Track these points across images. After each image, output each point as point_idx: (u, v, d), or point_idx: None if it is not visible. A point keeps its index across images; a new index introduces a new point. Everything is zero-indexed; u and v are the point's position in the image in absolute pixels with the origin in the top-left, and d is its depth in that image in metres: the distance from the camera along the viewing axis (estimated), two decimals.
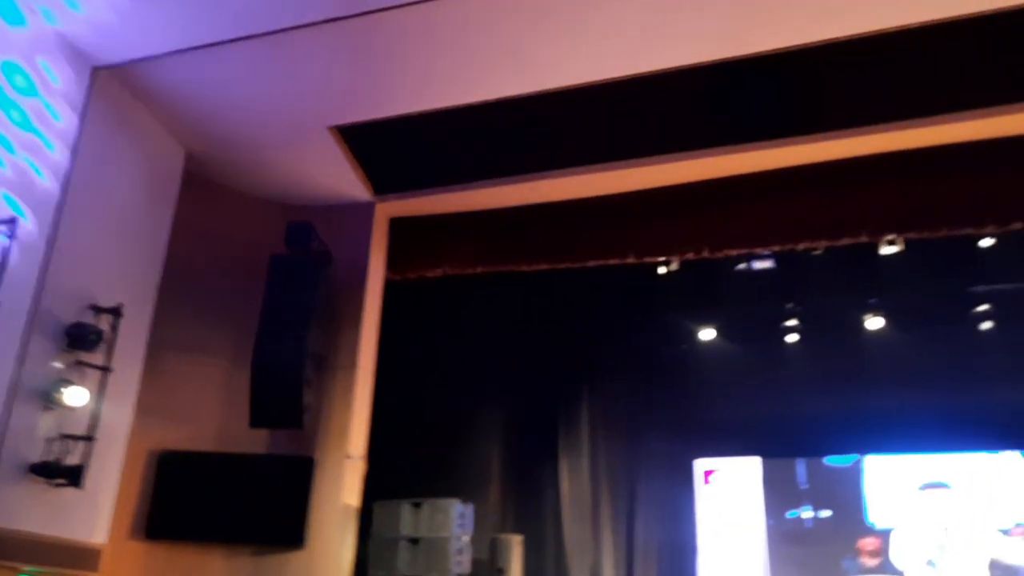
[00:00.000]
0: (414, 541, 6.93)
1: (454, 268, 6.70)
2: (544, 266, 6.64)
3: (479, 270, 6.71)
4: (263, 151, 6.02)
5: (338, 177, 6.27)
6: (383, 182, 6.47)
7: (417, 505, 6.91)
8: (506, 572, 7.66)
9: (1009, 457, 10.12)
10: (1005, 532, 9.79)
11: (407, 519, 6.99)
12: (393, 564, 6.80)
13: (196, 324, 6.30)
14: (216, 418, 6.23)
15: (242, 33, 4.77)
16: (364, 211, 6.53)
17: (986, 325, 8.56)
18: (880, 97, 5.54)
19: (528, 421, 8.34)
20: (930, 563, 9.95)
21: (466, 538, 7.15)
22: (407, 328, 7.13)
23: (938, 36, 4.86)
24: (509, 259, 6.66)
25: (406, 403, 7.57)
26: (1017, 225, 6.11)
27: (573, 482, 8.19)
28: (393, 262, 6.72)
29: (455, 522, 7.03)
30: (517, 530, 8.03)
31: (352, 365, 6.30)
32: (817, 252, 7.73)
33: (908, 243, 7.21)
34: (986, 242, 7.39)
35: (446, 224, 6.72)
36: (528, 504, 8.26)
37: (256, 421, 5.90)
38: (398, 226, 6.77)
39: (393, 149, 6.24)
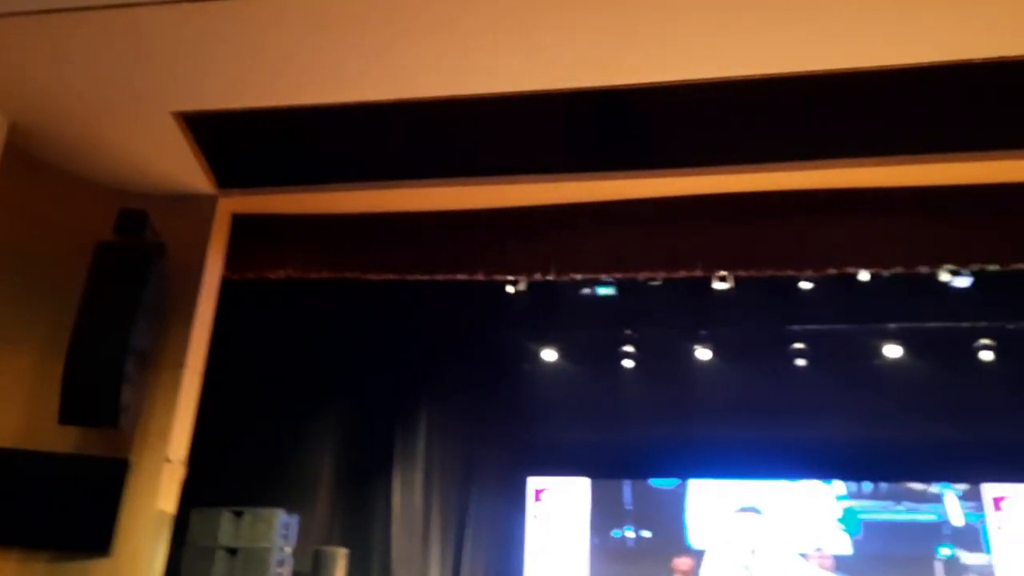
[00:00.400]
0: (232, 551, 6.66)
1: (297, 271, 6.51)
2: (391, 276, 6.57)
3: (324, 275, 6.56)
4: (99, 131, 5.65)
5: (179, 166, 5.97)
6: (228, 176, 6.21)
7: (238, 514, 6.64)
8: None
9: (813, 485, 10.89)
10: (804, 556, 10.52)
11: (226, 528, 6.71)
12: (207, 574, 6.50)
13: (6, 309, 5.82)
14: (21, 412, 5.77)
15: (82, 3, 4.47)
16: (205, 204, 6.25)
17: (801, 362, 9.20)
18: (726, 141, 5.86)
19: (364, 431, 8.21)
20: (728, 570, 10.54)
21: (288, 549, 6.94)
22: (242, 330, 6.86)
23: (781, 89, 5.20)
24: (355, 266, 6.55)
25: (236, 407, 7.28)
26: (832, 271, 6.60)
27: (405, 495, 8.12)
28: (233, 260, 6.46)
29: (278, 532, 6.81)
30: (344, 543, 7.87)
31: (179, 364, 5.99)
32: (656, 283, 8.09)
33: (738, 280, 7.67)
34: (805, 285, 7.96)
35: (292, 225, 6.53)
36: (357, 516, 8.12)
37: (66, 417, 5.49)
38: (241, 223, 6.51)
39: (241, 142, 6.02)
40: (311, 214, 6.58)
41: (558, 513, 11.32)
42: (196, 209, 6.22)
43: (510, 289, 8.13)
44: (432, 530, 8.71)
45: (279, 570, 6.81)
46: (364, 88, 5.19)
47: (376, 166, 6.25)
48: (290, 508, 7.04)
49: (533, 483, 11.52)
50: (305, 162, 6.23)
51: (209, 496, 6.55)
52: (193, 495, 6.28)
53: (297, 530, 7.11)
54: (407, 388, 8.42)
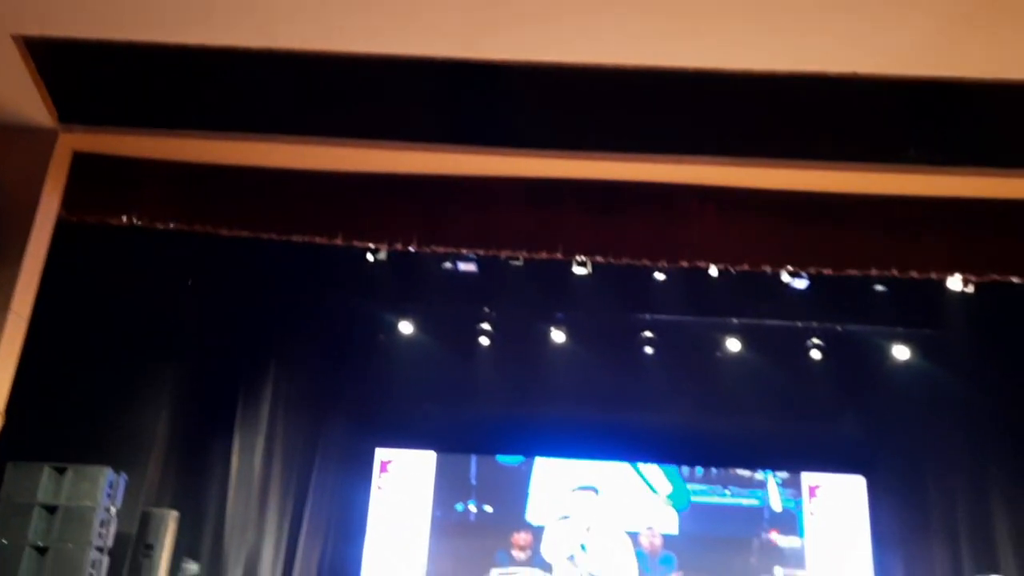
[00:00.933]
0: (52, 509, 6.28)
1: (143, 219, 6.12)
2: (245, 233, 6.30)
3: (172, 226, 6.21)
4: None
5: (16, 94, 5.48)
6: (71, 110, 5.76)
7: (60, 470, 6.28)
8: (155, 548, 7.19)
9: (649, 468, 11.37)
10: (634, 534, 10.99)
11: (47, 484, 6.33)
12: (23, 531, 6.11)
13: None
14: None
15: None
16: (43, 138, 5.77)
17: (648, 350, 9.54)
18: (595, 127, 5.95)
19: (205, 392, 7.90)
20: (571, 558, 10.88)
21: (113, 509, 6.62)
22: (78, 276, 6.43)
23: (652, 81, 5.32)
24: (208, 219, 6.23)
25: (65, 357, 6.84)
26: (684, 264, 6.87)
27: (244, 460, 7.88)
28: (71, 201, 6.01)
29: (103, 491, 6.48)
30: (176, 506, 7.58)
31: (4, 308, 5.55)
32: (518, 263, 8.17)
33: (596, 266, 7.85)
34: (659, 276, 8.25)
35: (141, 169, 6.12)
36: (192, 479, 7.82)
37: None
38: (84, 162, 6.06)
39: (90, 76, 5.59)
40: (163, 160, 6.19)
41: (403, 485, 11.32)
42: (33, 142, 5.74)
43: (370, 258, 8.00)
44: (270, 497, 8.50)
45: (102, 530, 6.49)
46: (227, 32, 4.93)
47: (238, 117, 5.95)
48: (118, 467, 6.70)
49: (380, 454, 11.46)
50: (160, 105, 5.86)
51: (30, 450, 6.14)
52: (12, 449, 5.86)
53: (124, 490, 6.78)
54: (254, 351, 8.15)
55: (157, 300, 7.42)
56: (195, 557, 7.55)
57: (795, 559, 10.80)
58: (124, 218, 6.11)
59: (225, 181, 6.31)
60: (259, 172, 6.31)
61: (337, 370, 10.11)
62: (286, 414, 8.75)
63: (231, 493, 7.77)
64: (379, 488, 11.27)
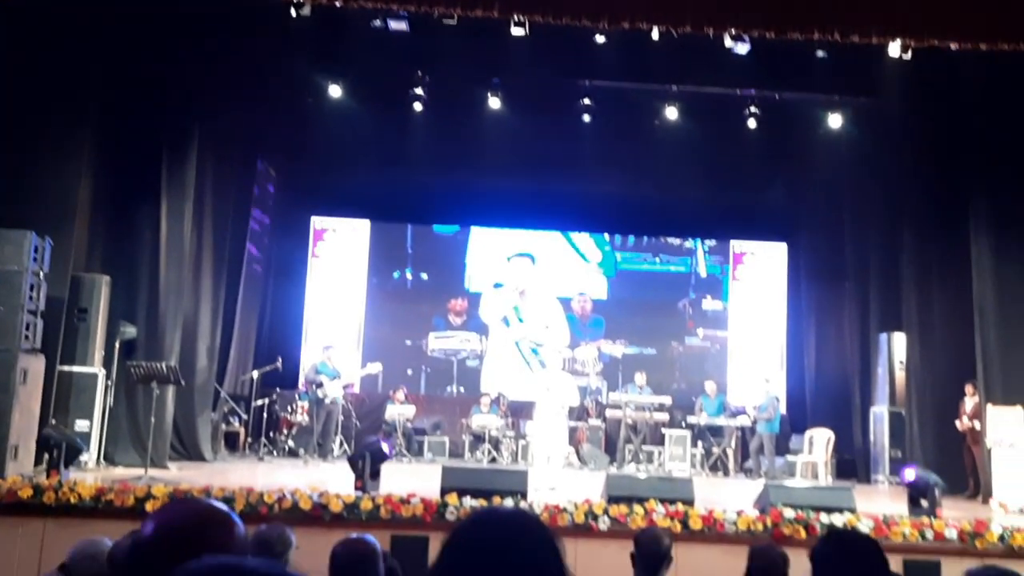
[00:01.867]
0: None
1: None
2: None
3: None
4: None
5: None
6: None
7: None
8: (89, 312, 7.19)
9: (582, 237, 11.62)
10: (566, 300, 11.42)
11: None
12: None
13: None
14: None
15: None
16: None
17: (586, 117, 9.38)
18: None
19: (127, 155, 7.56)
20: (504, 320, 11.34)
21: (42, 273, 6.51)
22: None
23: None
24: None
25: None
26: (625, 25, 6.60)
27: (173, 225, 7.72)
28: None
29: (28, 255, 6.33)
30: (106, 271, 7.49)
31: None
32: (451, 22, 7.72)
33: (533, 27, 7.48)
34: (599, 39, 7.92)
35: None
36: (121, 245, 7.67)
37: None
38: None
39: None
40: None
41: (339, 253, 11.40)
42: None
43: (293, 13, 7.45)
44: (204, 263, 8.45)
45: (32, 294, 6.41)
46: None
47: None
48: (42, 232, 6.52)
49: (315, 222, 11.42)
50: None
51: None
52: None
53: (51, 255, 6.64)
54: (177, 113, 7.74)
55: (72, 60, 6.87)
56: (131, 321, 7.57)
57: (717, 322, 11.44)
58: None
59: None
60: None
61: (265, 134, 9.77)
62: (215, 180, 8.50)
63: (163, 258, 7.67)
64: (315, 256, 11.34)
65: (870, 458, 9.43)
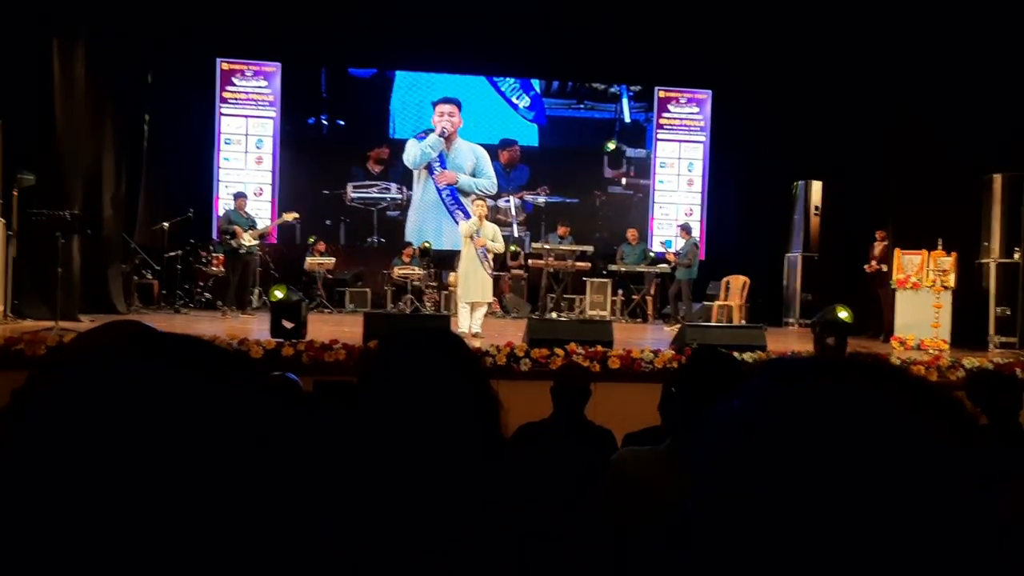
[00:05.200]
0: None
1: None
2: None
3: None
4: None
5: None
6: None
7: None
8: None
9: (508, 83, 11.28)
10: (492, 146, 11.20)
11: None
12: None
13: None
14: None
15: None
16: None
17: None
18: None
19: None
20: (430, 170, 11.11)
21: None
22: None
23: None
24: None
25: None
26: None
27: (65, 66, 7.15)
28: None
29: None
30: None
31: None
32: None
33: None
34: None
35: None
36: (9, 86, 7.09)
37: None
38: None
39: None
40: None
41: (249, 98, 10.81)
42: None
43: None
44: (103, 107, 7.91)
45: None
46: None
47: None
48: None
49: (222, 65, 10.74)
50: None
51: None
52: None
53: None
54: None
55: None
56: (30, 169, 7.09)
57: (641, 169, 11.41)
58: None
59: None
60: None
61: None
62: (112, 17, 7.82)
63: (57, 102, 7.12)
64: (224, 101, 10.73)
65: (783, 302, 9.78)
